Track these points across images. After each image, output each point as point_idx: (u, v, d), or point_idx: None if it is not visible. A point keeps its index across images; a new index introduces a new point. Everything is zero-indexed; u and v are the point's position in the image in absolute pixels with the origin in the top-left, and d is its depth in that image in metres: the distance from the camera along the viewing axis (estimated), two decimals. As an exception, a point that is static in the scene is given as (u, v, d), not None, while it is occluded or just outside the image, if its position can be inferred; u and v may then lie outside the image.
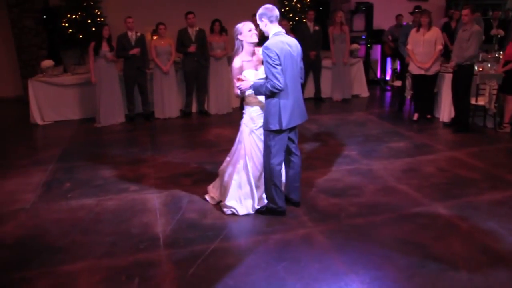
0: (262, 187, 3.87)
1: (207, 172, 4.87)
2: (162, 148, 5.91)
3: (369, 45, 10.12)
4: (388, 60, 10.10)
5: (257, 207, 3.87)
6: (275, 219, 3.75)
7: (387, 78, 10.13)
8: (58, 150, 5.90)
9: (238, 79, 3.63)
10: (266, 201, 3.87)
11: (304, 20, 8.94)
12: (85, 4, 8.71)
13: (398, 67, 8.40)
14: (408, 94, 7.17)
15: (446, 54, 7.38)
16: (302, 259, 3.15)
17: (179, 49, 7.44)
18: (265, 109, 3.60)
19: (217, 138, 6.35)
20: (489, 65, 6.60)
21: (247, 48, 3.75)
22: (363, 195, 4.25)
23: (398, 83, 7.90)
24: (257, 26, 3.67)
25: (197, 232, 3.58)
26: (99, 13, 8.88)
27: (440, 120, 6.88)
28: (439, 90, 6.88)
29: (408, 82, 7.09)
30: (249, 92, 3.65)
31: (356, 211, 3.91)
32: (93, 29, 8.49)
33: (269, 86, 3.42)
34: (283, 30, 3.60)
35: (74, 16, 8.65)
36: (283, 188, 3.86)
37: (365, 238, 3.44)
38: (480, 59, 7.11)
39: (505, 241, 3.34)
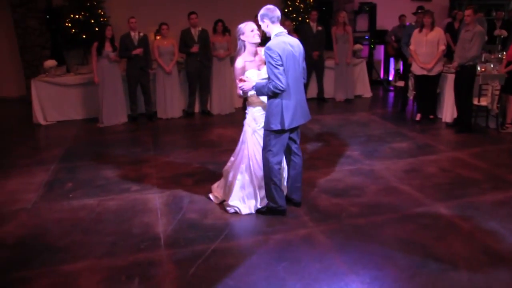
0: (265, 187, 3.87)
1: (209, 172, 4.87)
2: (165, 148, 5.92)
3: (372, 46, 10.11)
4: (391, 60, 10.07)
5: (259, 207, 3.87)
6: (276, 219, 3.74)
7: (390, 78, 10.09)
8: (61, 150, 5.91)
9: (241, 80, 3.63)
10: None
11: (307, 20, 8.94)
12: (88, 4, 8.74)
13: (401, 68, 8.39)
14: (411, 95, 7.16)
15: (449, 55, 7.36)
16: (302, 259, 3.15)
17: (182, 49, 7.46)
18: (267, 109, 3.59)
19: (219, 138, 6.36)
20: (491, 66, 6.59)
21: (250, 48, 3.74)
22: (365, 195, 4.24)
23: (401, 83, 7.88)
24: (259, 26, 3.67)
25: (197, 232, 3.58)
26: (102, 13, 8.92)
27: (443, 120, 6.87)
28: (442, 90, 6.87)
29: (410, 83, 7.08)
30: (252, 92, 3.65)
31: (358, 211, 3.91)
32: (96, 29, 8.53)
33: (271, 87, 3.41)
34: (285, 31, 3.59)
35: (77, 16, 8.69)
36: (283, 189, 3.86)
37: (366, 238, 3.43)
38: (483, 59, 7.09)
39: (506, 242, 3.33)
